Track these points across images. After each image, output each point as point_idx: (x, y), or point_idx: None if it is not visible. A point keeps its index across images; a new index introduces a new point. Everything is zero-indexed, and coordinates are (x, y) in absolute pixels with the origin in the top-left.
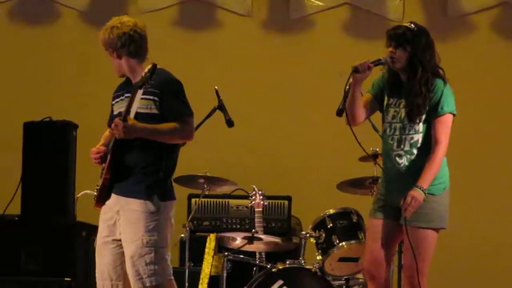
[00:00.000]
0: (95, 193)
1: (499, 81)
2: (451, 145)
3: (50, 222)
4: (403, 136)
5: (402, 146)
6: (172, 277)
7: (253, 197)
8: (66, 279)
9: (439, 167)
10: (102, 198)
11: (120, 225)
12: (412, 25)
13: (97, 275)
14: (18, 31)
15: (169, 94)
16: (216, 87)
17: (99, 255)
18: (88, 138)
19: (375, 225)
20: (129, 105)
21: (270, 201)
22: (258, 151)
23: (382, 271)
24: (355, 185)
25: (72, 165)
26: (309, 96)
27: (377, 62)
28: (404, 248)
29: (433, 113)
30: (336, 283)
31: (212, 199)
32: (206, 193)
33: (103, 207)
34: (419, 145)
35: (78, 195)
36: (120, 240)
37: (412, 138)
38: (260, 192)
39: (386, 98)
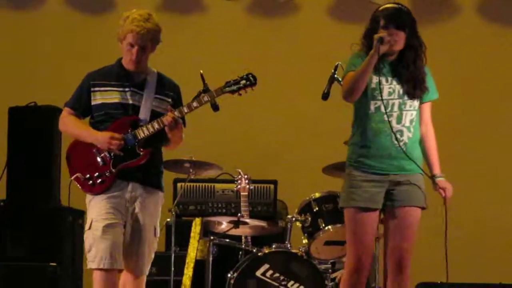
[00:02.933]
0: (99, 180)
1: (484, 63)
2: (439, 127)
3: (36, 207)
4: (404, 112)
5: (402, 122)
6: None
7: (239, 181)
8: (51, 264)
9: None
10: (110, 185)
11: (135, 212)
12: (403, 6)
13: (107, 254)
14: (2, 16)
15: (180, 98)
16: (201, 71)
17: (107, 235)
18: None
19: (368, 217)
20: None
21: (256, 185)
22: (243, 135)
23: (370, 261)
24: (341, 168)
25: (57, 150)
26: (294, 80)
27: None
28: (392, 230)
29: (426, 97)
30: (322, 266)
31: (197, 184)
32: (192, 177)
33: (106, 191)
34: (414, 122)
35: (72, 178)
36: (123, 225)
37: (411, 114)
38: (245, 176)
39: (373, 77)
